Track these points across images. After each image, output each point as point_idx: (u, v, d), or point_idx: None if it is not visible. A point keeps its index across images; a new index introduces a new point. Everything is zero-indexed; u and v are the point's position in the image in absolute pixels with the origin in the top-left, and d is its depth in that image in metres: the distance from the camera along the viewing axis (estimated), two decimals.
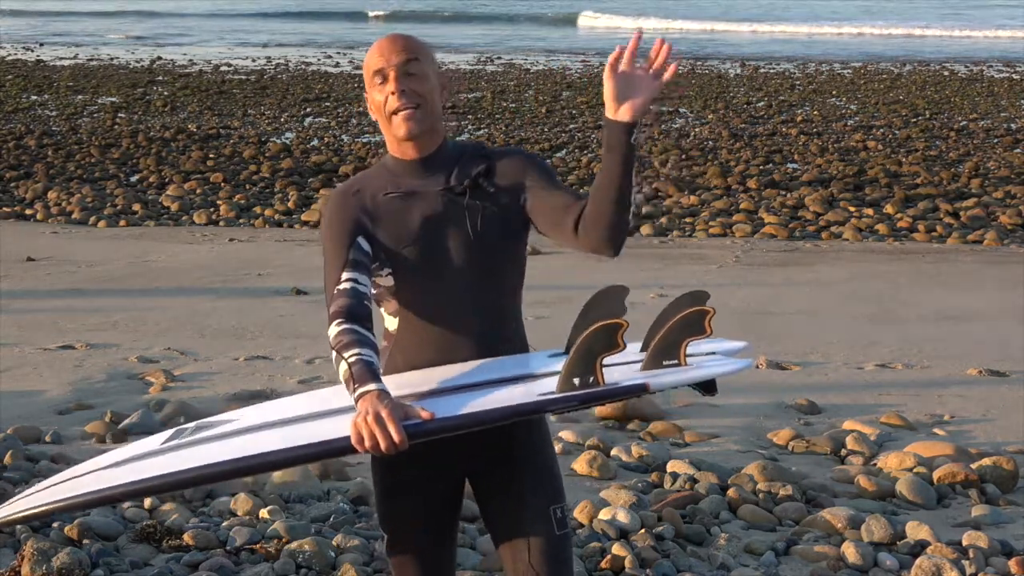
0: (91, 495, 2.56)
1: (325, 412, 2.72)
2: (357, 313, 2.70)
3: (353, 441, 2.48)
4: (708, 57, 35.84)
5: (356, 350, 2.60)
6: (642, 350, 2.78)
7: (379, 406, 2.48)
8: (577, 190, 2.92)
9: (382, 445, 2.45)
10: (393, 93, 2.80)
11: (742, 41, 42.94)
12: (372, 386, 2.53)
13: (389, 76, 2.81)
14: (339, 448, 2.54)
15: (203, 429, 2.82)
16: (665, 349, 2.62)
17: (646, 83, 2.67)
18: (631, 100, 2.67)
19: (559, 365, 2.62)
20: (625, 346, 2.55)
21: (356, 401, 2.53)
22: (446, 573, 2.96)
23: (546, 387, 2.60)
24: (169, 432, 2.89)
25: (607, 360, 2.56)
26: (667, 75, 2.67)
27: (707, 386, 2.71)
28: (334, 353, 2.64)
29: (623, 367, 2.68)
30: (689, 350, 2.64)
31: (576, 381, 2.55)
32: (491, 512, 2.90)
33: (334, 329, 2.67)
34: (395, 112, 2.81)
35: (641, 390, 2.59)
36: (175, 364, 7.86)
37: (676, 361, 2.62)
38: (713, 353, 2.78)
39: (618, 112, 2.67)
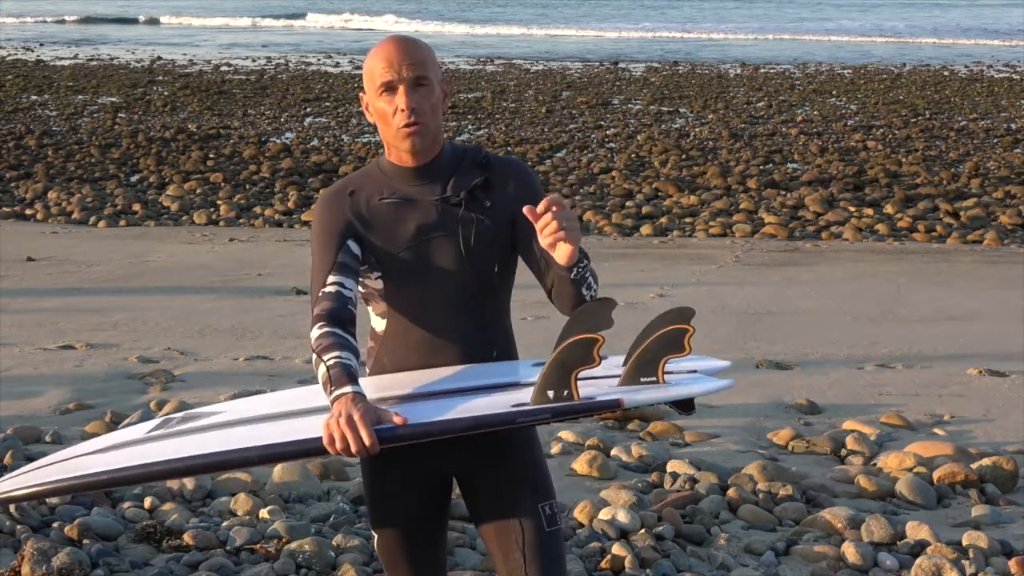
0: (65, 482, 2.60)
1: (312, 409, 2.74)
2: (340, 317, 2.71)
3: (325, 442, 2.50)
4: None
5: (335, 353, 2.62)
6: (624, 363, 2.78)
7: (352, 409, 2.50)
8: None
9: (352, 448, 2.48)
10: (403, 110, 2.78)
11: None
12: (348, 388, 2.55)
13: (399, 90, 2.78)
14: (312, 448, 2.56)
15: (190, 420, 2.84)
16: (643, 366, 2.63)
17: (565, 235, 2.59)
18: (562, 252, 2.62)
19: None
20: (601, 361, 2.56)
21: (332, 403, 2.55)
22: (436, 571, 2.97)
23: (523, 397, 2.61)
24: (157, 420, 2.91)
25: (585, 373, 2.56)
26: (561, 232, 2.56)
27: (684, 404, 2.70)
28: (314, 356, 2.66)
29: (601, 380, 2.69)
30: (670, 367, 2.65)
31: (550, 394, 2.56)
32: (480, 511, 2.90)
33: (316, 332, 2.69)
34: (403, 127, 2.79)
35: (615, 406, 2.60)
36: (175, 364, 7.86)
37: (654, 378, 2.63)
38: (694, 371, 2.77)
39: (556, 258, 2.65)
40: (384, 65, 2.79)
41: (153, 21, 53.87)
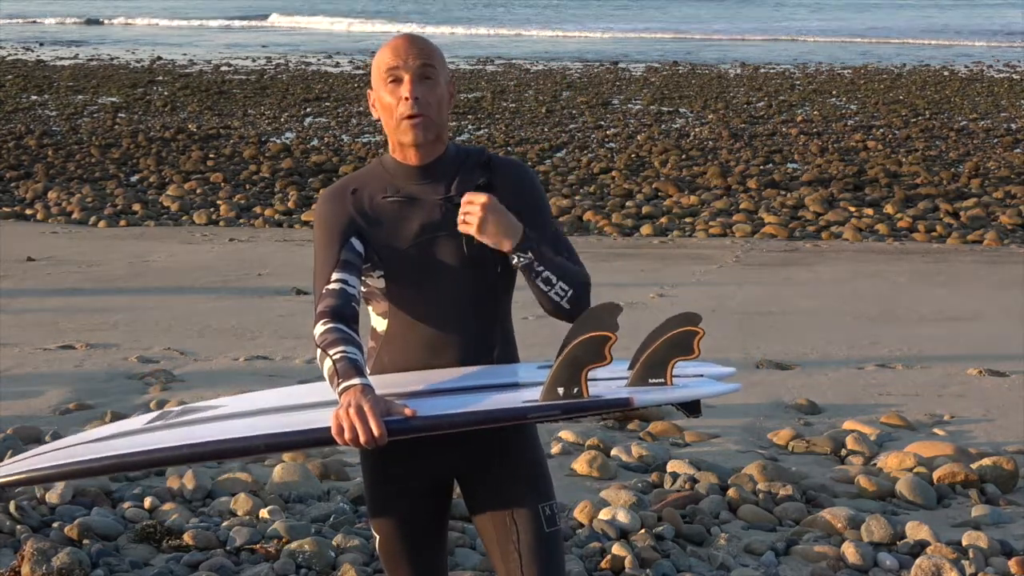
0: (66, 467, 2.59)
1: (312, 404, 2.74)
2: (344, 313, 2.71)
3: (333, 432, 2.50)
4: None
5: (341, 347, 2.62)
6: (630, 367, 2.78)
7: (362, 399, 2.50)
8: (561, 241, 2.90)
9: (361, 438, 2.47)
10: (407, 98, 2.78)
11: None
12: (356, 380, 2.55)
13: (404, 78, 2.79)
14: (320, 438, 2.56)
15: (188, 413, 2.84)
16: (652, 367, 2.63)
17: (487, 225, 2.73)
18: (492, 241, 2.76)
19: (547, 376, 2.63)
20: (611, 359, 2.57)
21: (340, 395, 2.55)
22: (437, 572, 2.97)
23: (531, 395, 2.61)
24: (154, 413, 2.91)
25: (593, 373, 2.57)
26: (475, 216, 2.72)
27: (691, 407, 2.70)
28: (319, 351, 2.66)
29: (608, 382, 2.69)
30: (676, 371, 2.65)
31: (560, 391, 2.56)
32: (479, 512, 2.90)
33: (320, 328, 2.69)
34: (405, 118, 2.80)
35: (624, 404, 2.60)
36: (175, 364, 7.86)
37: (662, 380, 2.63)
38: (700, 376, 2.78)
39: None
40: (391, 55, 2.81)
41: (93, 21, 53.17)
